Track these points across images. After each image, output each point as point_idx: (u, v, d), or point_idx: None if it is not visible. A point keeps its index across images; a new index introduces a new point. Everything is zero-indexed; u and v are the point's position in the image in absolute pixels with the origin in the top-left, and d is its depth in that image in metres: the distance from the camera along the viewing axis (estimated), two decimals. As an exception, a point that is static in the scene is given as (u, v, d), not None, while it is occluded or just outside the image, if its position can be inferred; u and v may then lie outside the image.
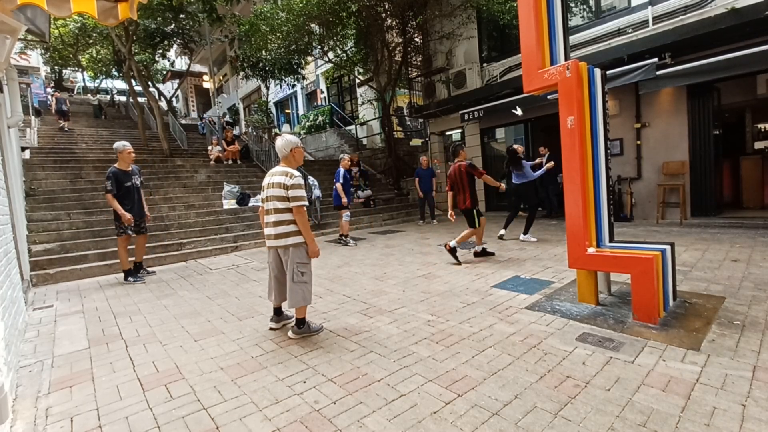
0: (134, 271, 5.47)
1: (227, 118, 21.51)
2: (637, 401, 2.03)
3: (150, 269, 5.86)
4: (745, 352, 2.45)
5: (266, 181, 3.16)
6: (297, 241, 3.05)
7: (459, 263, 5.22)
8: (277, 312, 3.38)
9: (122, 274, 5.39)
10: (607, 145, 3.39)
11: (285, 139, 3.18)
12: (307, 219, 3.10)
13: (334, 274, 5.15)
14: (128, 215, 5.05)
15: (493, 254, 5.57)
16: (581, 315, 3.22)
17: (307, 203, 3.07)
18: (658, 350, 2.55)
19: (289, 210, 3.03)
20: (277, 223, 3.05)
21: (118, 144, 5.29)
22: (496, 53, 10.33)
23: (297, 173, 3.07)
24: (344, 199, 7.14)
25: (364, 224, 9.67)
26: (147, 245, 6.16)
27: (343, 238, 7.30)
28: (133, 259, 5.58)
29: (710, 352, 2.47)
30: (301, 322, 3.13)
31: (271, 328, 3.35)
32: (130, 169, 5.31)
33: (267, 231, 3.14)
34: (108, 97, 27.36)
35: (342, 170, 7.28)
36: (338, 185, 7.14)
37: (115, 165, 5.22)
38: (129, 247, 5.42)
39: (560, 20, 3.40)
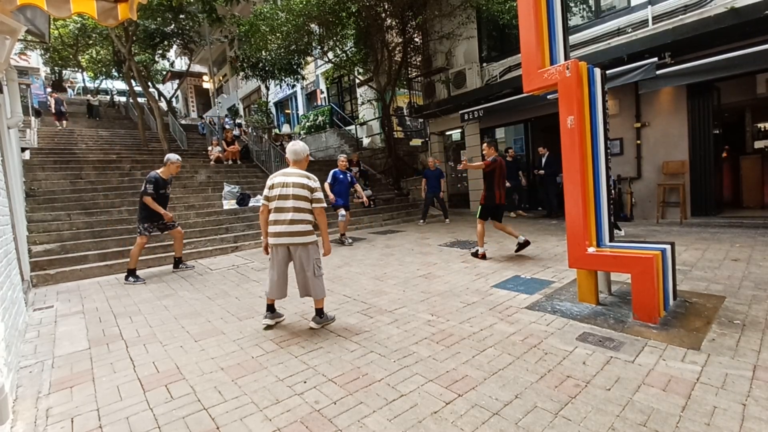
0: (174, 266, 5.90)
1: (238, 120, 21.40)
2: (638, 401, 2.03)
3: (189, 263, 6.15)
4: (746, 351, 2.45)
5: (280, 179, 3.26)
6: (314, 239, 3.27)
7: (527, 242, 5.28)
8: (271, 309, 3.46)
9: (122, 274, 5.39)
10: (607, 145, 3.39)
11: (301, 145, 3.41)
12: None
13: (334, 274, 5.15)
14: (169, 214, 5.42)
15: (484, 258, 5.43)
16: (581, 315, 3.22)
17: (326, 204, 3.31)
18: (658, 350, 2.55)
19: (309, 210, 3.25)
20: (295, 222, 3.19)
21: (172, 156, 5.57)
22: (495, 53, 10.33)
23: (315, 177, 3.31)
24: (331, 196, 7.13)
25: (364, 224, 9.67)
26: (147, 245, 6.16)
27: (342, 236, 7.32)
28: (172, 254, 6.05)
29: (710, 352, 2.47)
30: (321, 312, 3.35)
31: (267, 326, 3.40)
32: (168, 177, 5.57)
33: (279, 228, 3.19)
34: (108, 97, 27.38)
35: (335, 170, 7.30)
36: (326, 185, 7.16)
37: (159, 171, 5.44)
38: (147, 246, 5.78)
39: (560, 20, 3.40)
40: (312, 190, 3.23)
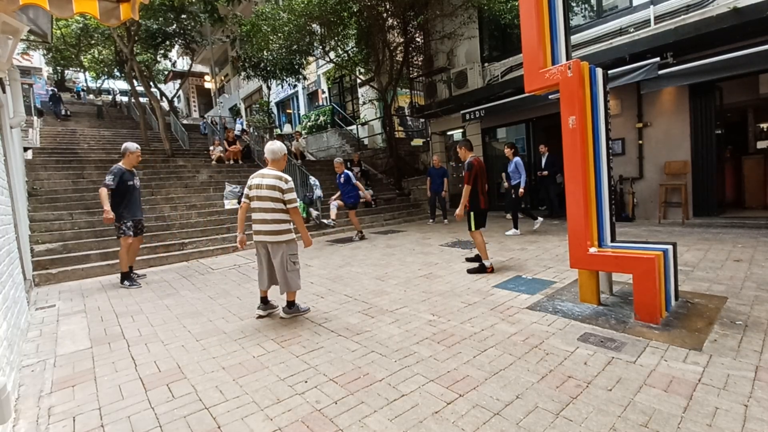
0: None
1: (241, 122, 21.23)
2: (639, 401, 2.02)
3: (140, 272, 5.66)
4: (748, 352, 2.44)
5: (257, 181, 3.50)
6: (290, 237, 3.52)
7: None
8: (264, 300, 3.72)
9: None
10: (608, 145, 3.38)
11: (279, 145, 3.59)
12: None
13: (335, 274, 5.15)
14: (111, 214, 4.80)
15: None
16: (583, 315, 3.21)
17: (298, 203, 3.50)
18: (660, 350, 2.54)
19: (284, 210, 3.46)
20: (271, 221, 3.45)
21: (130, 145, 5.21)
22: (497, 53, 10.31)
23: (290, 177, 3.52)
24: (366, 195, 7.99)
25: (366, 224, 9.66)
26: (149, 245, 6.14)
27: (359, 234, 7.96)
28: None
29: (712, 353, 2.47)
30: (291, 304, 3.61)
31: (259, 316, 3.67)
32: (132, 169, 5.24)
33: (257, 227, 3.51)
34: (110, 97, 27.47)
35: (346, 173, 7.78)
36: (358, 184, 7.87)
37: (121, 163, 5.12)
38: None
39: (562, 20, 3.39)
40: (283, 191, 3.42)
